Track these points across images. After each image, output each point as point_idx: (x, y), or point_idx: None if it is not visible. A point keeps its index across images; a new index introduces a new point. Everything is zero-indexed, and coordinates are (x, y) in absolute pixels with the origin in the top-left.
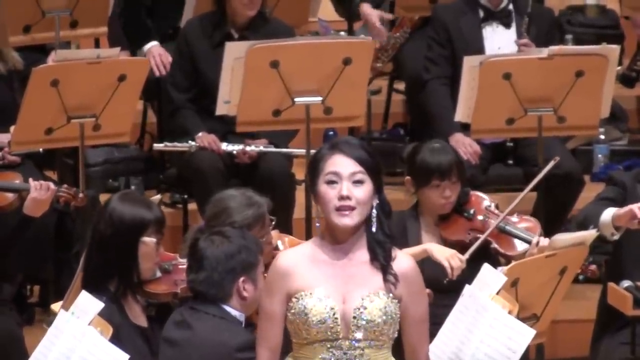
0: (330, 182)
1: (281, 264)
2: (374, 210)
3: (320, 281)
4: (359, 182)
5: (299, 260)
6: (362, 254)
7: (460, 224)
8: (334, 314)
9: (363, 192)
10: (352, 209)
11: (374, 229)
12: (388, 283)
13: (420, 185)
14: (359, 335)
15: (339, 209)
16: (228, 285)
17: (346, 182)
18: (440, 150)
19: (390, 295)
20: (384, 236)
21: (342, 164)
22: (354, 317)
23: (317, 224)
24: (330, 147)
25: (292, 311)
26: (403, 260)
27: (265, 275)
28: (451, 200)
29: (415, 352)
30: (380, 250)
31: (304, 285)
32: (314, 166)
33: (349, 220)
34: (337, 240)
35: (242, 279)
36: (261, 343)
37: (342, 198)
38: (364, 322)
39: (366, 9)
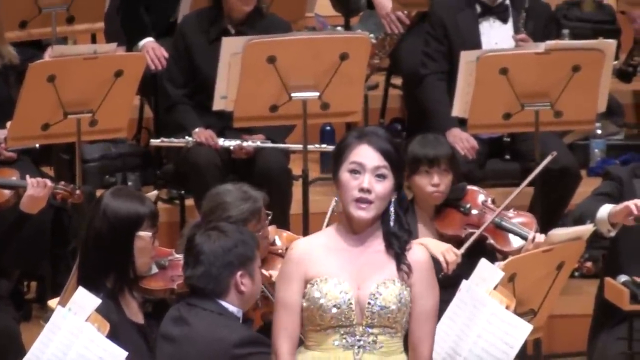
0: (354, 172)
1: (296, 252)
2: (392, 206)
3: (336, 268)
4: (381, 177)
5: (313, 248)
6: (377, 243)
7: (456, 219)
8: (348, 299)
9: (384, 187)
10: (370, 202)
11: (392, 224)
12: (402, 272)
13: (410, 173)
14: (373, 321)
15: (357, 200)
16: (225, 280)
17: (369, 174)
18: (432, 140)
19: (404, 283)
20: (401, 231)
21: (367, 156)
22: (369, 303)
23: (335, 200)
24: (358, 136)
25: (307, 297)
26: (418, 251)
27: (264, 269)
28: (441, 189)
29: (417, 348)
30: (396, 241)
31: (320, 272)
32: (339, 153)
33: (365, 213)
34: (353, 231)
35: (239, 273)
36: (280, 334)
37: (362, 190)
38: (378, 309)
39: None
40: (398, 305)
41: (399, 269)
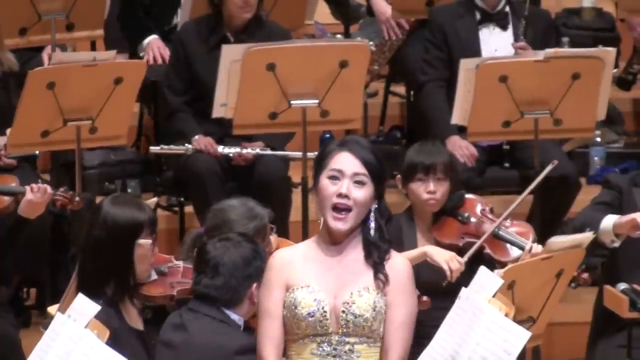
0: (332, 178)
1: (277, 260)
2: (372, 215)
3: (313, 277)
4: (359, 183)
5: (293, 258)
6: (356, 253)
7: (455, 228)
8: (322, 307)
9: (362, 194)
10: (348, 209)
11: (372, 234)
12: (378, 281)
13: (406, 180)
14: (348, 330)
15: (335, 208)
16: (243, 291)
17: (347, 180)
18: (429, 147)
19: (380, 292)
20: (381, 240)
21: (347, 163)
22: (343, 312)
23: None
24: (340, 144)
25: (285, 305)
26: (397, 261)
27: None
28: (436, 197)
29: (387, 354)
30: (376, 251)
31: (297, 281)
32: (320, 160)
33: (342, 224)
34: (333, 241)
35: (255, 284)
36: (265, 341)
37: (340, 195)
38: (352, 317)
39: (380, 3)
40: (373, 314)
41: (376, 277)
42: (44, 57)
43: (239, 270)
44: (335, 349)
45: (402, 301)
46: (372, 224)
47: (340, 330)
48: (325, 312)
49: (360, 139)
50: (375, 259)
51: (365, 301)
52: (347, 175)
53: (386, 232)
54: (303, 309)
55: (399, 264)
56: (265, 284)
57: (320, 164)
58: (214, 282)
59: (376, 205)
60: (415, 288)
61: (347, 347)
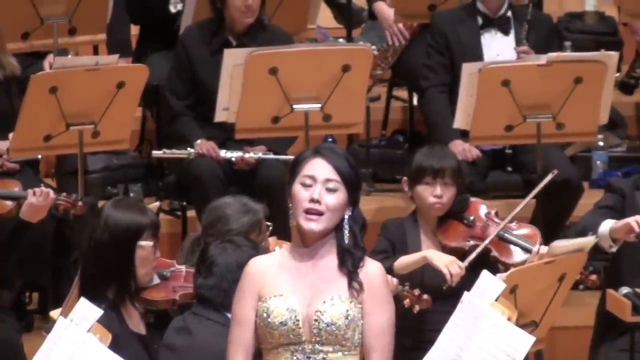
0: (305, 184)
1: (251, 268)
2: (346, 222)
3: (287, 285)
4: (332, 190)
5: (268, 266)
6: (330, 260)
7: (460, 231)
8: (295, 316)
9: (334, 199)
10: (320, 214)
11: (346, 241)
12: (352, 289)
13: (413, 183)
14: (321, 338)
15: (307, 212)
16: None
17: (320, 186)
18: (438, 152)
19: (354, 300)
20: (355, 248)
21: (319, 169)
22: (315, 320)
23: None
24: (313, 152)
25: (257, 314)
26: (371, 267)
27: None
28: (443, 201)
29: None
30: (350, 259)
31: (271, 290)
32: (294, 167)
33: (314, 225)
34: (305, 244)
35: None
36: (234, 349)
37: (312, 201)
38: (324, 325)
39: (383, 8)
40: (345, 322)
41: (350, 286)
42: (45, 66)
43: (231, 273)
44: (309, 358)
45: (379, 309)
46: (346, 232)
47: (313, 339)
48: (297, 321)
49: (335, 146)
50: (349, 267)
51: (338, 309)
52: (319, 181)
53: (360, 239)
54: (275, 318)
55: (372, 270)
56: (239, 291)
57: (293, 170)
58: (207, 282)
59: (350, 213)
60: (391, 293)
61: (321, 355)
